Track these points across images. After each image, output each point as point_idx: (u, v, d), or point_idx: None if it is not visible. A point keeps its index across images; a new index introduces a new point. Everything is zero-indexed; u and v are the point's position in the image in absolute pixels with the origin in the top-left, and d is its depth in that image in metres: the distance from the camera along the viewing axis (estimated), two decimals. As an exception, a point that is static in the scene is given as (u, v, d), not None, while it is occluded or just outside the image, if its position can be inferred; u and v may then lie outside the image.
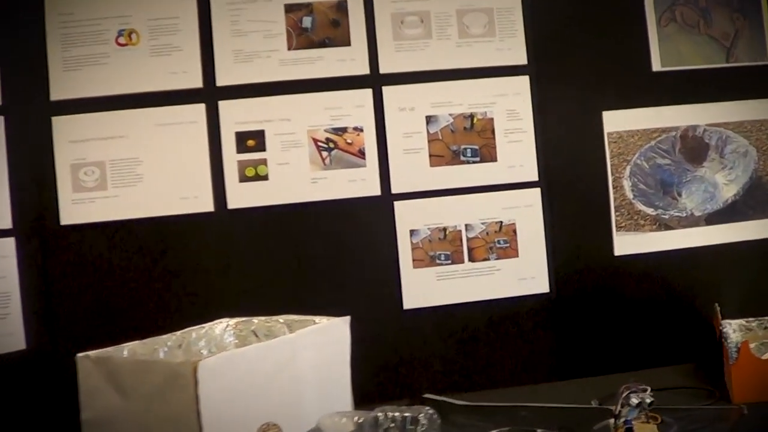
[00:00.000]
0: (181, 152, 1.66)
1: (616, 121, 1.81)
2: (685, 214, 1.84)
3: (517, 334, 1.76)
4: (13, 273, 1.53)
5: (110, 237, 1.63)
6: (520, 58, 1.77)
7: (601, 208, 1.79)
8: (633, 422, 1.24)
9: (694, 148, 1.85)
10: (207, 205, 1.66)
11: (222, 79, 1.67)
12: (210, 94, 1.67)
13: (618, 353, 1.78)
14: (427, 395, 1.64)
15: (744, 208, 1.86)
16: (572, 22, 1.79)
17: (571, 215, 1.79)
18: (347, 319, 1.47)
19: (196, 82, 1.66)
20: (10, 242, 1.53)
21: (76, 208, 1.62)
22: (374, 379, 1.70)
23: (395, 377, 1.71)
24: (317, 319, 1.52)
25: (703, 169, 1.85)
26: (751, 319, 1.71)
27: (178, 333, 1.45)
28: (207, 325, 1.55)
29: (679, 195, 1.84)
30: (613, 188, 1.80)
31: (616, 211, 1.81)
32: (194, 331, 1.51)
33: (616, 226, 1.81)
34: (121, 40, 1.64)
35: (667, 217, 1.83)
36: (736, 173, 1.86)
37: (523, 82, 1.77)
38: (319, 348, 1.42)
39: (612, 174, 1.80)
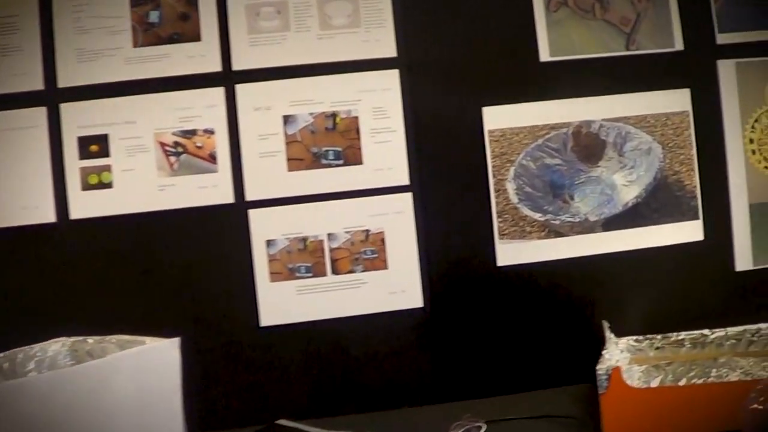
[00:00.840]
0: (22, 159, 1.60)
1: (498, 118, 1.67)
2: (578, 220, 1.69)
3: (388, 353, 1.65)
4: None
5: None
6: (389, 50, 1.65)
7: (481, 214, 1.67)
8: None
9: (588, 145, 1.71)
10: (48, 215, 1.59)
11: (64, 80, 1.60)
12: (51, 97, 1.59)
13: (502, 373, 1.67)
14: (281, 421, 1.57)
15: (647, 211, 1.71)
16: (448, 9, 1.66)
17: (448, 222, 1.66)
18: (176, 341, 1.38)
19: (36, 84, 1.59)
20: None
21: None
22: (229, 403, 1.63)
23: (251, 401, 1.63)
24: (149, 339, 1.46)
25: (600, 169, 1.71)
26: (640, 337, 1.59)
27: (1, 354, 1.41)
28: (38, 345, 1.49)
29: (572, 198, 1.70)
30: (495, 192, 1.67)
31: (498, 217, 1.68)
32: (22, 352, 1.46)
33: (499, 233, 1.68)
34: (-41, 41, 1.61)
35: (557, 222, 1.69)
36: (638, 173, 1.71)
37: (392, 76, 1.65)
38: (139, 374, 1.33)
39: (494, 176, 1.68)
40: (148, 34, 1.62)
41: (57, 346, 1.48)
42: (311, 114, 1.64)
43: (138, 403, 1.29)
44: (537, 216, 1.68)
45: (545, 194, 1.69)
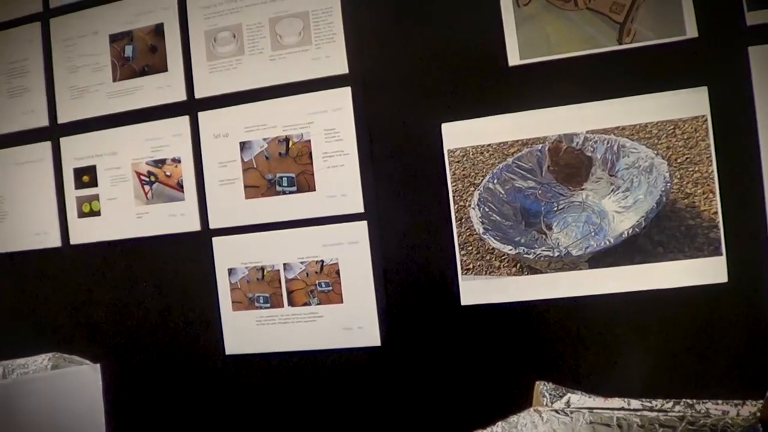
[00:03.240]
0: (34, 189, 1.90)
1: (459, 135, 1.56)
2: (557, 254, 1.51)
3: (343, 393, 1.65)
4: None
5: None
6: (341, 66, 1.63)
7: (443, 246, 1.58)
8: None
9: (570, 164, 1.51)
10: (55, 240, 1.88)
11: (62, 116, 1.86)
12: (54, 132, 1.88)
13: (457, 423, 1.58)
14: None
15: (649, 244, 1.47)
16: (403, 16, 1.58)
17: (407, 254, 1.60)
18: (97, 366, 1.57)
19: (42, 120, 1.89)
20: None
21: (-40, 243, 2.00)
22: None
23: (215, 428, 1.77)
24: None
25: (585, 192, 1.50)
26: (565, 406, 1.37)
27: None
28: (30, 359, 1.79)
29: (549, 228, 1.52)
30: (457, 220, 1.57)
31: (461, 249, 1.57)
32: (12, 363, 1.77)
33: (462, 268, 1.58)
34: (-14, 85, 1.96)
35: (531, 257, 1.53)
36: (636, 197, 1.47)
37: (344, 94, 1.63)
38: (54, 396, 1.55)
39: (455, 202, 1.58)
40: (124, 69, 1.81)
41: (45, 360, 1.78)
42: (265, 139, 1.69)
43: (56, 423, 1.51)
44: (507, 249, 1.54)
45: (516, 223, 1.54)
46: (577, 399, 1.41)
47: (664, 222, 1.46)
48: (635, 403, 1.33)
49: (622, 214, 1.48)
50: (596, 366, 1.49)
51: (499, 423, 1.33)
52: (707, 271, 1.44)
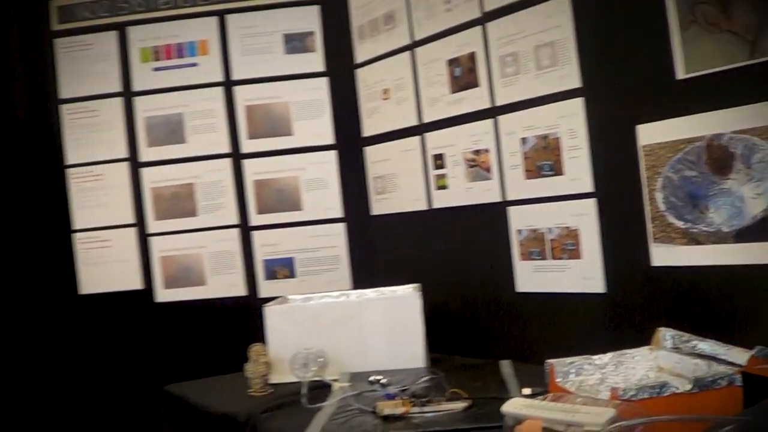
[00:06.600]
0: (411, 170, 3.26)
1: (649, 134, 2.36)
2: (713, 229, 2.23)
3: (580, 324, 2.63)
4: (343, 246, 3.54)
5: (390, 224, 3.42)
6: (576, 82, 2.59)
7: (639, 220, 2.40)
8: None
9: (719, 158, 2.18)
10: (424, 204, 3.23)
11: (425, 118, 3.17)
12: (420, 130, 3.21)
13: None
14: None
15: (776, 226, 2.09)
16: (611, 43, 2.44)
17: (619, 225, 2.49)
18: (419, 294, 2.86)
19: (413, 121, 3.24)
20: (341, 226, 3.54)
21: (377, 204, 3.46)
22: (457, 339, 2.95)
23: (503, 342, 2.88)
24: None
25: (730, 181, 2.16)
26: (690, 350, 2.10)
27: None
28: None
29: (707, 209, 2.23)
30: (648, 200, 2.36)
31: (652, 222, 2.38)
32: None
33: (653, 237, 2.36)
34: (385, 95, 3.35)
35: (696, 231, 2.27)
36: (766, 186, 2.09)
37: (579, 104, 2.59)
38: (387, 311, 2.85)
39: (648, 186, 2.36)
40: (455, 85, 3.02)
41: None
42: (535, 136, 2.73)
43: (386, 330, 2.83)
44: (680, 224, 2.32)
45: (686, 204, 2.30)
46: (707, 346, 2.19)
47: (788, 207, 2.11)
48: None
49: (756, 200, 2.17)
50: (743, 322, 2.20)
51: (611, 353, 2.20)
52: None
